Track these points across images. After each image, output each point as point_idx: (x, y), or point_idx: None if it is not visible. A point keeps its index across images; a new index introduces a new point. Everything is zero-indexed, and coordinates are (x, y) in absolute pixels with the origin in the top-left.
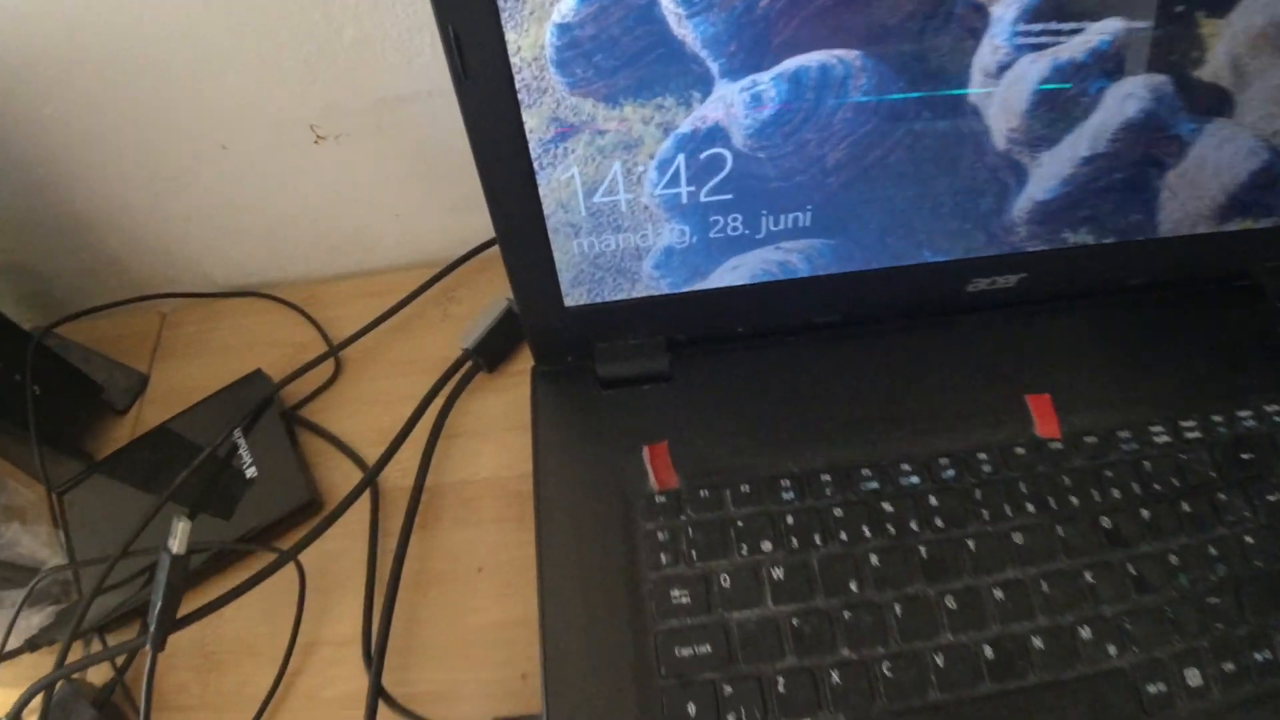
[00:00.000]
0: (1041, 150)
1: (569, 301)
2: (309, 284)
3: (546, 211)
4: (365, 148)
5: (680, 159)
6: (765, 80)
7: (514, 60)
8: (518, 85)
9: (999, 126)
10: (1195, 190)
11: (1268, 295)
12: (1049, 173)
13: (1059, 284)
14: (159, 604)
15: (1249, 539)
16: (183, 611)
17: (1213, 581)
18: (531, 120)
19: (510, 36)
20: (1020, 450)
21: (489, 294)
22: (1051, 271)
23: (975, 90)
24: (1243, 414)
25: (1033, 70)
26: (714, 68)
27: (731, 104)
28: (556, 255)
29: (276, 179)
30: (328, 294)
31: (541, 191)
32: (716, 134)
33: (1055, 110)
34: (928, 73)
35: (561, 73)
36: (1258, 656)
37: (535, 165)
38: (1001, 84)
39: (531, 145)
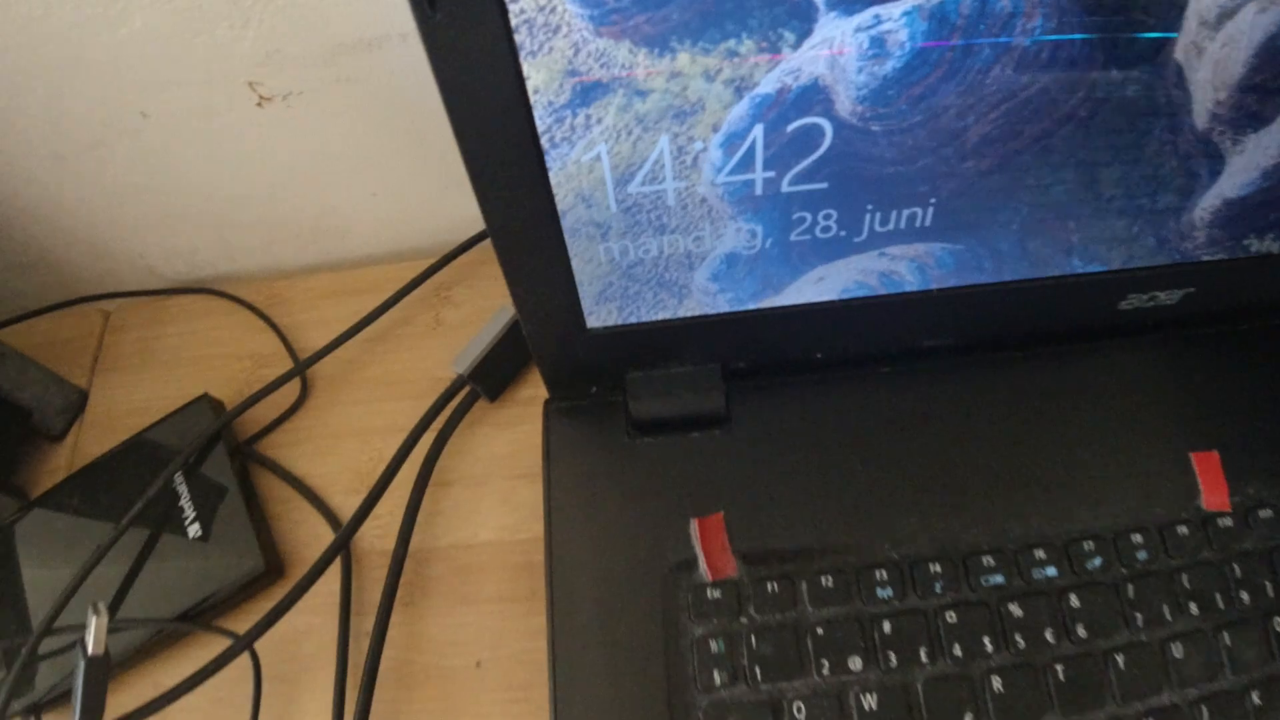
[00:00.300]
0: (1247, 133)
1: (593, 322)
2: (271, 278)
3: (561, 207)
4: (325, 109)
5: (757, 132)
6: (894, 15)
7: None
8: (514, 20)
9: (1204, 98)
10: None
11: None
12: (1249, 163)
13: (1229, 302)
14: (78, 712)
15: None
16: (119, 706)
17: None
18: (537, 74)
19: None
20: (1183, 529)
21: (492, 295)
22: (1224, 286)
23: (1185, 43)
24: None
25: (1259, 23)
26: None
27: (841, 50)
28: (576, 265)
29: (215, 153)
30: (293, 293)
31: (553, 179)
32: (813, 96)
33: (1277, 80)
34: (1128, 11)
35: (586, 1)
36: None
37: (544, 142)
38: (1218, 39)
39: (538, 112)
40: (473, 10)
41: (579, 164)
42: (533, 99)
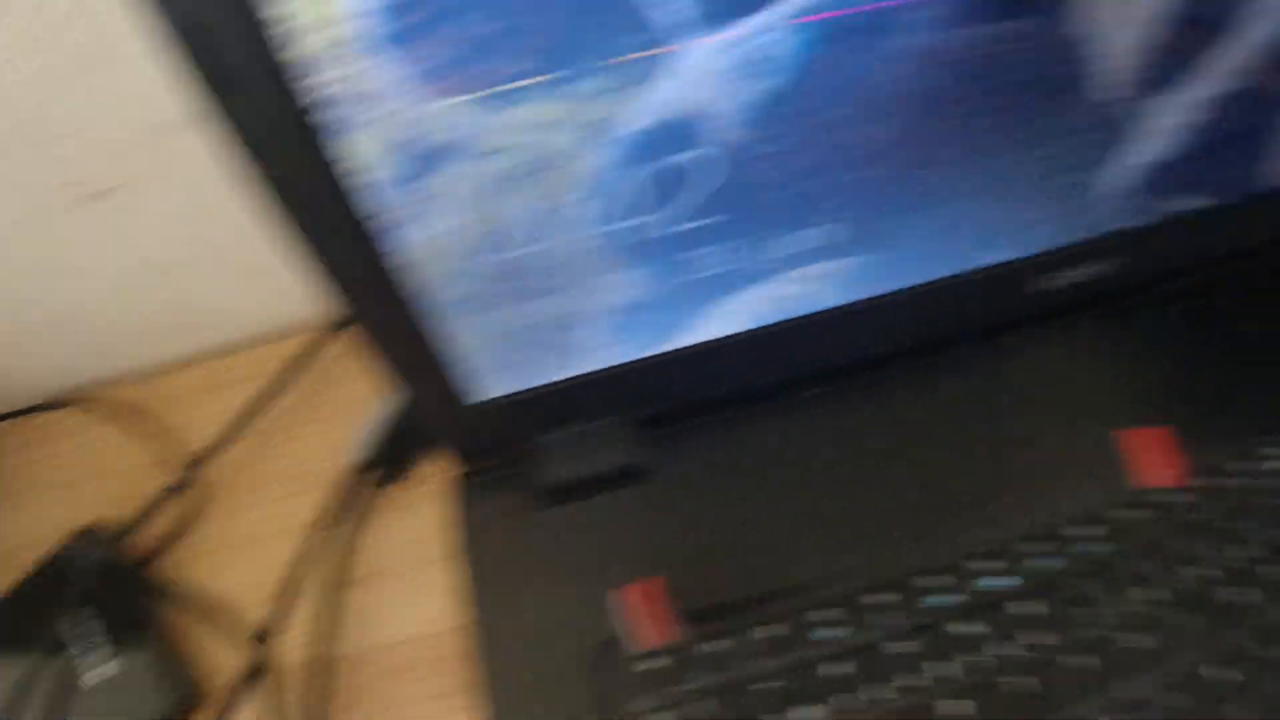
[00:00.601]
0: (1155, 95)
1: (483, 395)
2: (145, 379)
3: (418, 289)
4: (155, 196)
5: (634, 174)
6: (773, 23)
7: (301, 58)
8: (319, 95)
9: (1113, 63)
10: None
11: None
12: (1162, 124)
13: (1155, 268)
14: None
15: None
16: None
17: None
18: (360, 151)
19: (286, 12)
20: (1126, 512)
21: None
22: (1148, 252)
23: (1096, 8)
24: None
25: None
26: (678, 13)
27: (716, 72)
28: (450, 344)
29: (46, 259)
30: (170, 391)
31: (402, 261)
32: (693, 125)
33: (1184, 37)
34: None
35: (404, 59)
36: None
37: (382, 224)
38: None
39: (369, 193)
40: (268, 88)
41: (431, 241)
42: (360, 179)
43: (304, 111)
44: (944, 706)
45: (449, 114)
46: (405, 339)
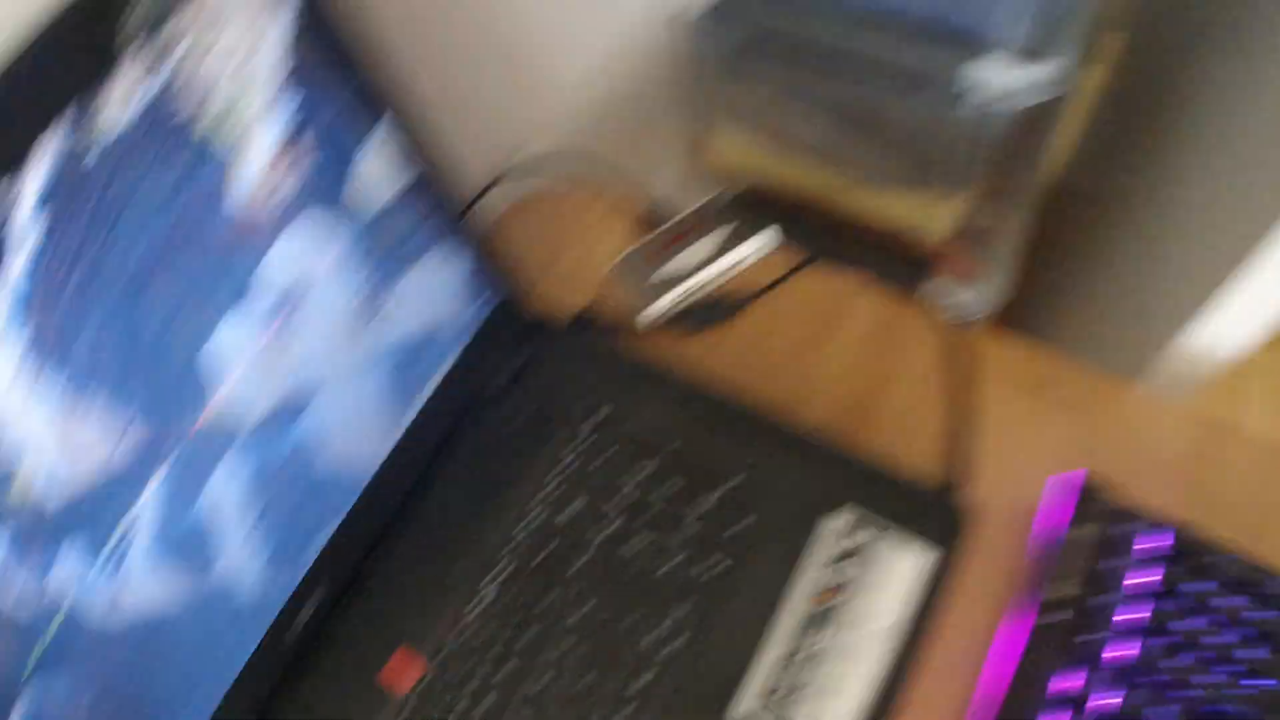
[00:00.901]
0: (190, 564)
1: None
2: None
3: None
4: None
5: None
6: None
7: None
8: None
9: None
10: (354, 425)
11: (492, 406)
12: (237, 565)
13: (355, 563)
14: None
15: (589, 600)
16: None
17: (581, 661)
18: None
19: None
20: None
21: None
22: (331, 573)
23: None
24: (534, 511)
25: (143, 594)
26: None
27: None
28: None
29: None
30: None
31: None
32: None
33: (182, 559)
34: None
35: None
36: (644, 678)
37: None
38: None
39: None
40: None
41: None
42: None
43: None
44: None
45: None
46: None
